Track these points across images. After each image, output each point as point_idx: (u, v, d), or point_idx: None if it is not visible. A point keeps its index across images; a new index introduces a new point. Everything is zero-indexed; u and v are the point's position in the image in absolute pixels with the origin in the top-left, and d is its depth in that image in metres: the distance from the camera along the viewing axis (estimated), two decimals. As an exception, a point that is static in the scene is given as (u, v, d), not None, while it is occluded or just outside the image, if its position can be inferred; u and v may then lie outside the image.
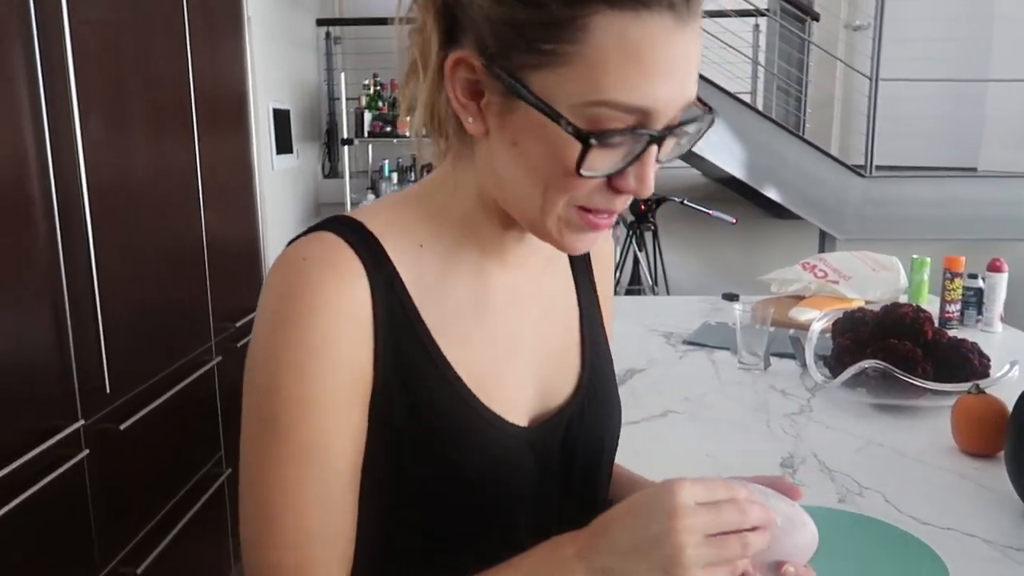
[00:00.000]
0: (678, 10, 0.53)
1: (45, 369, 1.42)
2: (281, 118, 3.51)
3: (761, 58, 4.26)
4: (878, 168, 3.49)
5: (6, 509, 1.26)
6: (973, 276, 2.11)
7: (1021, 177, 3.80)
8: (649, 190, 0.58)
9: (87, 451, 1.49)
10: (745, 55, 4.04)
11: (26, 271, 1.37)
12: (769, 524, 0.55)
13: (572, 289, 0.76)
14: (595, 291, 0.79)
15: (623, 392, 1.59)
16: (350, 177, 3.78)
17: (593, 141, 0.53)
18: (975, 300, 2.10)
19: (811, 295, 2.22)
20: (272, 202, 3.33)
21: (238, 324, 2.29)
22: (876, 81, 3.37)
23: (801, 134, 3.58)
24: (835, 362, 1.59)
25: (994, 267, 2.07)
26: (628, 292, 4.03)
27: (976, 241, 3.52)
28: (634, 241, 3.73)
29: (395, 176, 3.84)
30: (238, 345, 2.26)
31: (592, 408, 0.72)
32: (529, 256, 0.69)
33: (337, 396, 0.58)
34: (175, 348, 1.94)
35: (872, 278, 2.23)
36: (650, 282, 3.78)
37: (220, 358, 2.14)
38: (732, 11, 4.02)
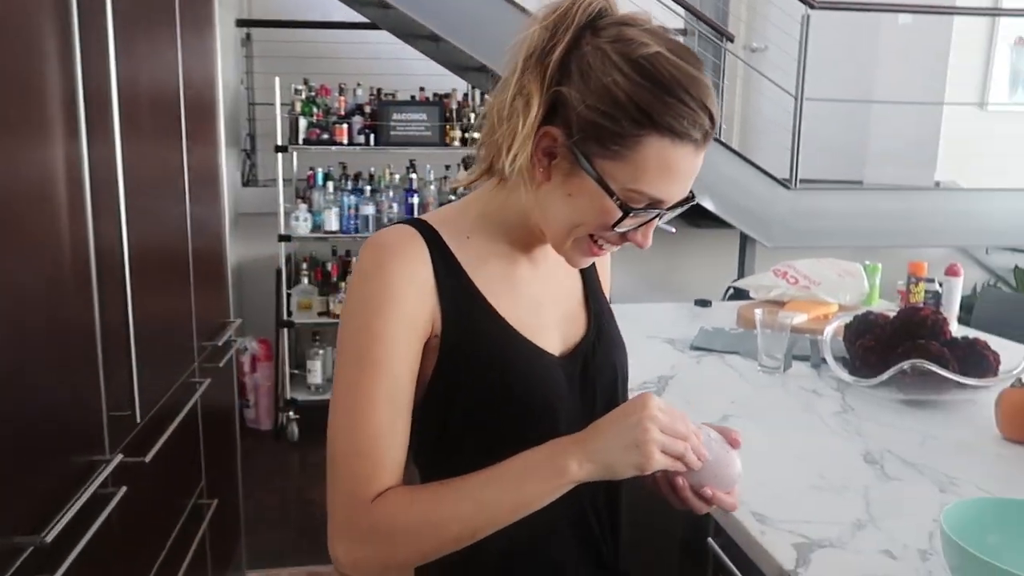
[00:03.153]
0: (699, 144, 0.80)
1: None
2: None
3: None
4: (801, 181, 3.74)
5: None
6: (931, 280, 2.31)
7: (906, 190, 4.20)
8: (648, 244, 0.86)
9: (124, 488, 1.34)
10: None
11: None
12: (700, 454, 0.80)
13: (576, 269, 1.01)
14: (595, 269, 1.06)
15: (671, 396, 1.64)
16: (283, 186, 3.59)
17: (631, 213, 0.81)
18: (934, 303, 2.29)
19: (790, 300, 2.35)
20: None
21: (220, 342, 2.12)
22: (801, 100, 3.62)
23: (730, 146, 3.78)
24: (860, 362, 1.70)
25: (952, 271, 2.27)
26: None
27: (871, 248, 3.85)
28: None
29: (331, 185, 3.69)
30: (220, 366, 2.10)
31: (601, 344, 0.98)
32: (548, 250, 0.93)
33: (400, 333, 0.83)
34: (169, 373, 1.78)
35: (839, 283, 2.39)
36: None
37: (209, 380, 1.98)
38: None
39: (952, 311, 2.28)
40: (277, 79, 3.45)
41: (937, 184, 4.67)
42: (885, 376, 1.56)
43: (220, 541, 2.20)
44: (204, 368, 2.06)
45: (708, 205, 3.59)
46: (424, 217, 0.92)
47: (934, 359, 1.56)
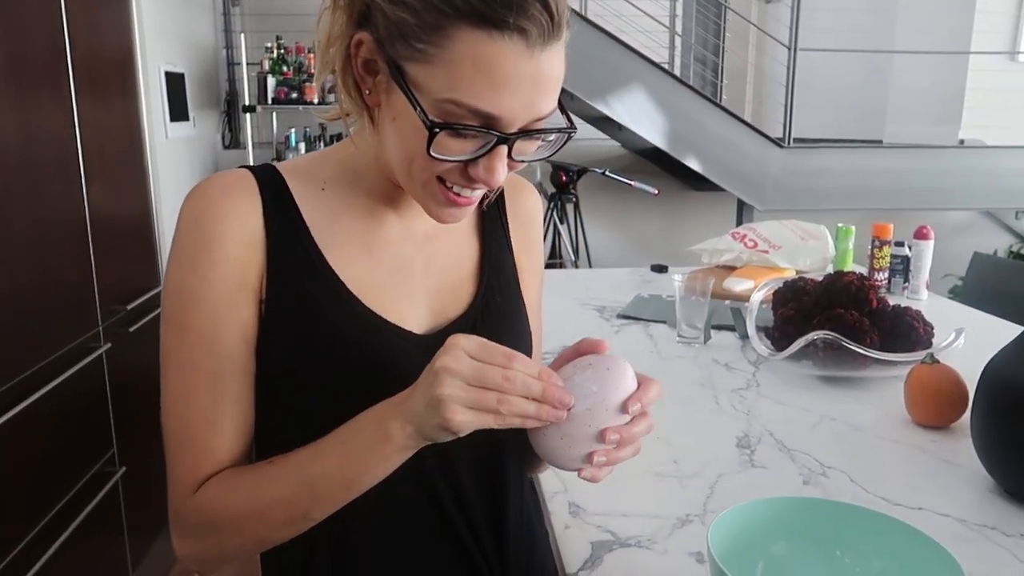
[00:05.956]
0: (529, 38, 0.61)
1: None
2: (175, 82, 3.21)
3: (678, 27, 4.21)
4: (794, 140, 3.50)
5: None
6: (900, 244, 2.10)
7: (927, 148, 3.91)
8: (496, 182, 0.67)
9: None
10: (663, 23, 3.98)
11: None
12: (546, 398, 0.61)
13: (475, 232, 0.86)
14: (507, 235, 0.88)
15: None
16: (253, 148, 3.51)
17: (437, 130, 0.63)
18: (902, 268, 2.09)
19: (743, 265, 2.17)
20: (167, 173, 3.05)
21: (130, 306, 2.06)
22: (795, 51, 3.36)
23: (720, 104, 3.55)
24: (778, 333, 1.53)
25: (921, 235, 2.07)
26: (548, 265, 3.95)
27: (888, 211, 3.60)
28: (555, 213, 3.63)
29: (303, 147, 3.60)
30: (131, 330, 2.04)
31: (486, 323, 0.81)
32: None
33: (224, 293, 0.70)
34: (54, 337, 1.72)
35: (801, 247, 2.21)
36: (571, 256, 3.70)
37: (109, 345, 1.92)
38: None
39: (922, 277, 2.08)
40: (243, 36, 3.35)
41: (961, 142, 4.36)
42: (792, 349, 1.39)
43: (144, 508, 2.16)
44: (116, 332, 2.00)
45: (693, 165, 3.39)
46: (278, 163, 0.79)
47: (849, 330, 1.39)
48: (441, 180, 0.69)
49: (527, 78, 0.62)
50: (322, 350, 0.73)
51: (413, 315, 0.78)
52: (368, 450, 0.65)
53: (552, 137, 0.69)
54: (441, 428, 0.61)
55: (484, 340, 0.62)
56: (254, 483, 0.70)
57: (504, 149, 0.66)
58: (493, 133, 0.64)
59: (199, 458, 0.72)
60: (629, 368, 0.67)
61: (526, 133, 0.65)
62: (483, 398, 0.60)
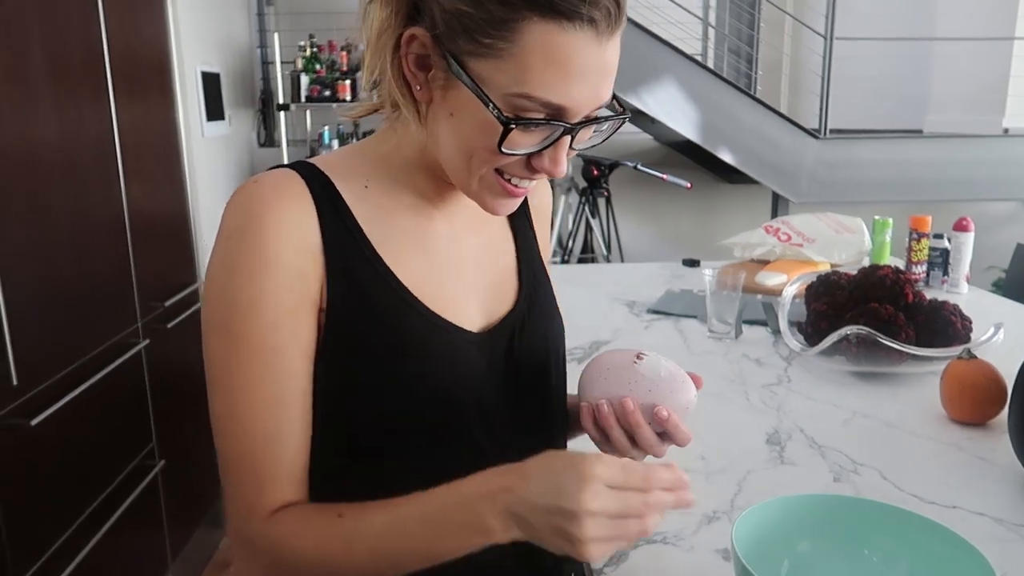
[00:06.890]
0: (599, 28, 0.61)
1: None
2: (210, 82, 3.26)
3: (712, 18, 4.16)
4: (831, 131, 3.43)
5: None
6: (939, 236, 2.06)
7: (969, 138, 3.81)
8: (561, 172, 0.68)
9: (-9, 452, 1.32)
10: (696, 15, 3.93)
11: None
12: (674, 485, 0.60)
13: (507, 226, 0.87)
14: (532, 228, 0.89)
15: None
16: (288, 146, 3.55)
17: (513, 126, 0.62)
18: (941, 261, 2.05)
19: (776, 259, 2.15)
20: (203, 171, 3.11)
21: (167, 303, 2.10)
22: (831, 40, 3.30)
23: (754, 95, 3.50)
24: (811, 328, 1.51)
25: (961, 226, 2.02)
26: (580, 260, 3.94)
27: (928, 203, 3.52)
28: (587, 208, 3.62)
29: (336, 144, 3.64)
30: (168, 326, 2.08)
31: (532, 318, 0.82)
32: (467, 203, 0.76)
33: (285, 304, 0.66)
34: (95, 332, 1.76)
35: (837, 240, 2.17)
36: (604, 250, 3.68)
37: (148, 341, 1.96)
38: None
39: (961, 270, 2.03)
40: (277, 35, 3.39)
41: (1006, 131, 4.24)
42: (825, 344, 1.37)
43: (183, 501, 2.21)
44: (154, 329, 2.04)
45: (726, 158, 3.35)
46: (314, 160, 0.74)
47: (883, 325, 1.37)
48: (498, 172, 0.69)
49: (595, 68, 0.63)
50: (385, 352, 0.70)
51: (467, 313, 0.77)
52: (460, 538, 0.62)
53: (605, 125, 0.69)
54: (570, 553, 0.59)
55: (624, 463, 0.59)
56: (327, 534, 0.66)
57: (568, 139, 0.66)
58: (560, 124, 0.64)
59: (263, 481, 0.68)
60: (692, 393, 0.74)
61: (589, 121, 0.66)
62: (624, 530, 0.58)
